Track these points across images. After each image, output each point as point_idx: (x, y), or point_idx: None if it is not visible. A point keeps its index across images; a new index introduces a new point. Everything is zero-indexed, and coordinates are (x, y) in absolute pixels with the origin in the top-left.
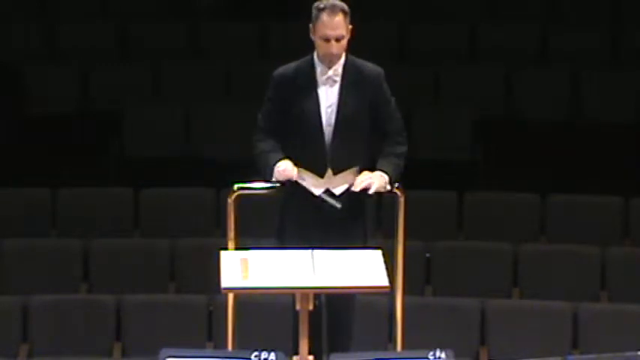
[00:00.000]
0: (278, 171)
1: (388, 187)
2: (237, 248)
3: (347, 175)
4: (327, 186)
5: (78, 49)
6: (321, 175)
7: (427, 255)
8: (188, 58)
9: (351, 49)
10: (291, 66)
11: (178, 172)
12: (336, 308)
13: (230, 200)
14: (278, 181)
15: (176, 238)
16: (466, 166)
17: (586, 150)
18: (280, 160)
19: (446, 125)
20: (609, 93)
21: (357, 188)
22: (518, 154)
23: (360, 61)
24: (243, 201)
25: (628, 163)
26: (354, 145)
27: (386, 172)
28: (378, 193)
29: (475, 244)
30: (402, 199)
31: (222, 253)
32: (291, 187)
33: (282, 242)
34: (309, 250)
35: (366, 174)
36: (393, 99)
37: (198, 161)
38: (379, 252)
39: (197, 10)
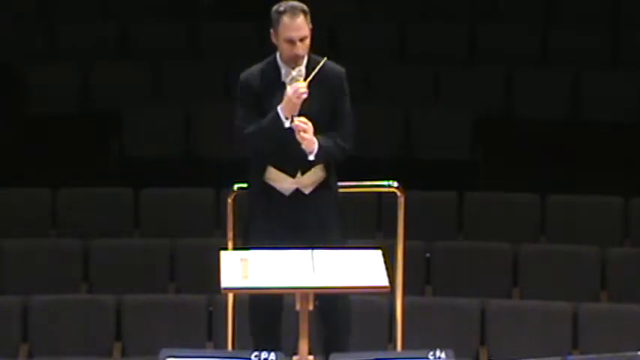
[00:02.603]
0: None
1: (311, 157)
2: (237, 248)
3: (316, 171)
4: (297, 186)
5: (78, 49)
6: (293, 175)
7: (427, 255)
8: (188, 58)
9: (351, 48)
10: (254, 69)
11: (178, 172)
12: (330, 309)
13: (230, 200)
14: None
15: (176, 238)
16: (466, 166)
17: (586, 150)
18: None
19: (446, 125)
20: (609, 93)
21: (296, 121)
22: (518, 154)
23: (319, 59)
24: (243, 201)
25: (628, 163)
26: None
27: (317, 143)
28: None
29: (475, 244)
30: (402, 199)
31: (222, 253)
32: (257, 186)
33: (247, 242)
34: (309, 250)
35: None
36: (348, 101)
37: (198, 161)
38: (379, 252)
39: (197, 10)
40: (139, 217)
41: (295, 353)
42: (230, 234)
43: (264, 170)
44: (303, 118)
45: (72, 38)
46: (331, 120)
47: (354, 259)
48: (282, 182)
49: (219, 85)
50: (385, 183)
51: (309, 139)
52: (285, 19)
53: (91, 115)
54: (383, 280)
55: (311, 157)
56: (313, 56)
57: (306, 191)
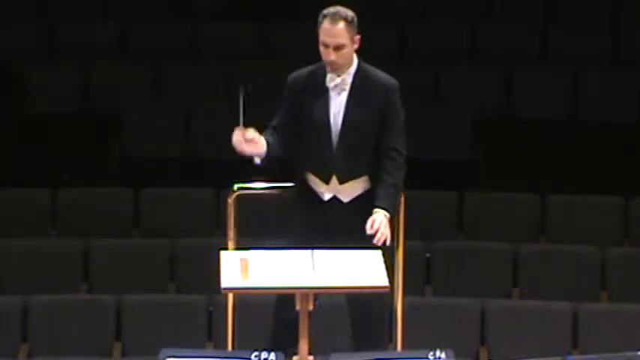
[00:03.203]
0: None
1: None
2: (237, 248)
3: (358, 183)
4: (334, 193)
5: (78, 49)
6: (327, 180)
7: (427, 255)
8: (188, 58)
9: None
10: (304, 71)
11: (178, 172)
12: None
13: (230, 200)
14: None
15: (176, 238)
16: (466, 166)
17: (586, 150)
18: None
19: (446, 125)
20: (609, 93)
21: (379, 242)
22: (518, 154)
23: (373, 71)
24: (243, 201)
25: (628, 163)
26: (359, 154)
27: (385, 209)
28: None
29: (475, 244)
30: (402, 199)
31: (222, 253)
32: (298, 187)
33: (289, 243)
34: (309, 250)
35: (375, 221)
36: (402, 115)
37: (198, 161)
38: (379, 252)
39: (197, 10)
40: (139, 217)
41: (295, 353)
42: (230, 234)
43: (305, 170)
44: (380, 239)
45: (72, 38)
46: (381, 134)
47: (354, 259)
48: (319, 187)
49: (219, 85)
50: None
51: (388, 227)
52: (325, 23)
53: (91, 115)
54: (383, 280)
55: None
56: (366, 66)
57: (345, 200)
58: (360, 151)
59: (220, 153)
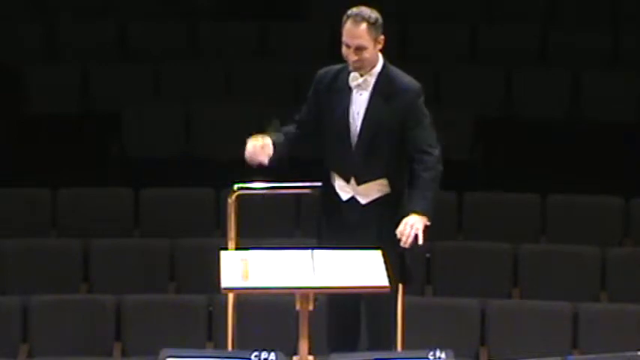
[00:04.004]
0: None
1: (428, 223)
2: (237, 248)
3: (375, 185)
4: (353, 193)
5: (78, 49)
6: (347, 180)
7: (427, 255)
8: (188, 58)
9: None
10: (333, 68)
11: (178, 172)
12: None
13: (230, 200)
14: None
15: (176, 238)
16: (466, 166)
17: (586, 150)
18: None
19: (446, 125)
20: (609, 93)
21: (406, 245)
22: (518, 154)
23: (397, 73)
24: (243, 201)
25: (628, 163)
26: (377, 155)
27: (421, 212)
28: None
29: (475, 244)
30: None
31: (222, 253)
32: (323, 185)
33: (320, 243)
34: (309, 250)
35: (406, 223)
36: (427, 117)
37: (198, 161)
38: (379, 252)
39: (197, 10)
40: (139, 217)
41: (295, 353)
42: (230, 234)
43: (328, 169)
44: (409, 238)
45: (71, 38)
46: (405, 136)
47: (354, 260)
48: (340, 186)
49: (219, 85)
50: None
51: (423, 229)
52: (348, 23)
53: (91, 115)
54: (383, 280)
55: (429, 223)
56: (391, 68)
57: (363, 201)
58: (378, 152)
59: (220, 153)
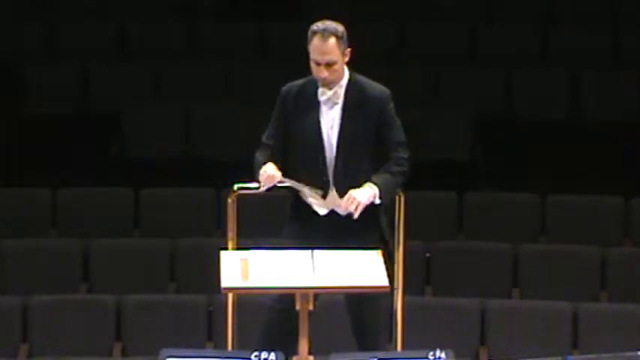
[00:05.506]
0: (261, 175)
1: (377, 201)
2: (237, 248)
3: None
4: (332, 206)
5: (78, 49)
6: (323, 197)
7: (427, 255)
8: (188, 58)
9: (351, 49)
10: (297, 83)
11: (178, 172)
12: (360, 311)
13: (230, 200)
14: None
15: (176, 238)
16: (466, 166)
17: (586, 150)
18: (265, 164)
19: (446, 125)
20: (609, 93)
21: (344, 212)
22: (518, 154)
23: (364, 82)
24: (243, 201)
25: (628, 163)
26: (357, 167)
27: (375, 184)
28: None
29: (475, 244)
30: (402, 199)
31: (222, 253)
32: (292, 202)
33: (285, 244)
34: (309, 250)
35: (350, 195)
36: (397, 121)
37: (198, 161)
38: (379, 252)
39: (197, 10)
40: (139, 217)
41: (295, 353)
42: (230, 234)
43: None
44: (348, 207)
45: (71, 38)
46: (378, 143)
47: (354, 260)
48: (317, 202)
49: (219, 85)
50: None
51: (365, 201)
52: (315, 40)
53: (91, 115)
54: (383, 280)
55: (377, 201)
56: (358, 77)
57: (343, 213)
58: (356, 162)
59: (220, 153)
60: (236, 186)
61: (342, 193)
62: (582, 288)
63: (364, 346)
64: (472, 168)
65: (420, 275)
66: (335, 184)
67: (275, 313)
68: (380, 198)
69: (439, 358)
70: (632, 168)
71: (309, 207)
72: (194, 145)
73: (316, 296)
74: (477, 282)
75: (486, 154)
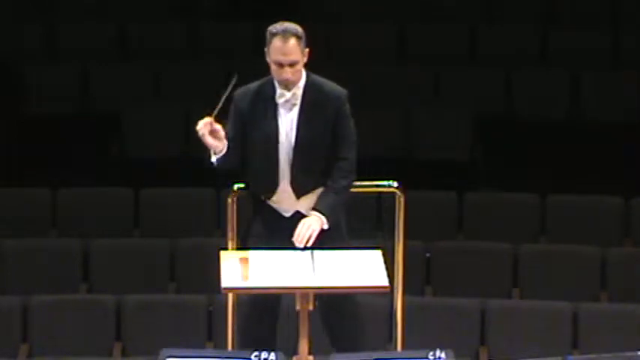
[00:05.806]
0: (199, 130)
1: (325, 227)
2: (237, 248)
3: (312, 196)
4: (295, 208)
5: (78, 49)
6: (283, 197)
7: (427, 255)
8: (188, 58)
9: (351, 48)
10: (251, 87)
11: (178, 172)
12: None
13: (230, 200)
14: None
15: (176, 238)
16: (466, 166)
17: (586, 150)
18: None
19: (446, 125)
20: (609, 93)
21: (301, 245)
22: (518, 154)
23: (321, 82)
24: (243, 201)
25: (628, 163)
26: (316, 168)
27: (322, 213)
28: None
29: (475, 244)
30: (401, 199)
31: (222, 253)
32: (256, 205)
33: (245, 245)
34: (309, 251)
35: (303, 224)
36: (352, 123)
37: (199, 161)
38: (379, 252)
39: (197, 10)
40: (139, 217)
41: (295, 353)
42: (230, 234)
43: (257, 190)
44: (302, 239)
45: (71, 38)
46: (333, 144)
47: (354, 259)
48: (278, 204)
49: (219, 85)
50: (385, 183)
51: (317, 231)
52: (276, 41)
53: (91, 115)
54: (383, 280)
55: (326, 227)
56: (314, 78)
57: (306, 212)
58: (315, 164)
59: None
60: (236, 186)
61: (301, 194)
62: (582, 288)
63: (343, 346)
64: (472, 168)
65: (420, 275)
66: (294, 185)
67: (250, 315)
68: (327, 222)
69: (439, 358)
70: (632, 168)
71: (272, 208)
72: (194, 145)
73: (316, 296)
74: (477, 282)
75: (486, 154)
